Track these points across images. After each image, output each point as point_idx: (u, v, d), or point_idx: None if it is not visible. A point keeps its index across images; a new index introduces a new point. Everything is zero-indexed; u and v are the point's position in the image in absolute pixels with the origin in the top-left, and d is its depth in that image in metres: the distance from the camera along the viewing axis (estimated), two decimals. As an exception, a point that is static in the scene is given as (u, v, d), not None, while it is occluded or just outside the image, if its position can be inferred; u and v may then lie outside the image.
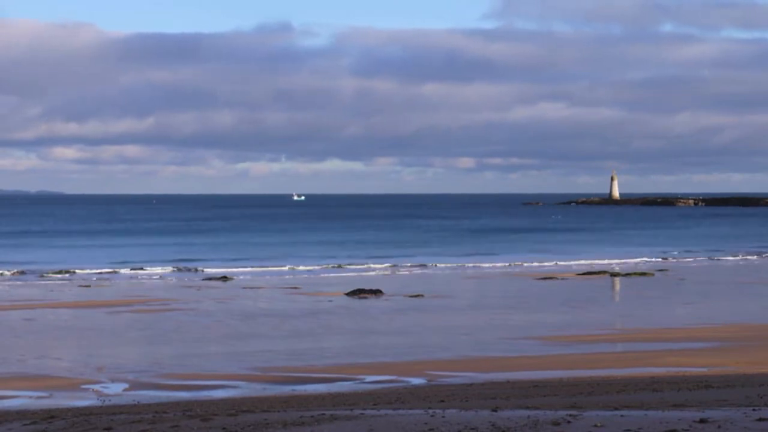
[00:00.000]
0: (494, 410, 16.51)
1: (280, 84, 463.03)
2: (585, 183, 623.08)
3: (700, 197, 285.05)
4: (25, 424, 16.93)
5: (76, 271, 71.49)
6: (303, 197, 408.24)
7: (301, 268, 76.56)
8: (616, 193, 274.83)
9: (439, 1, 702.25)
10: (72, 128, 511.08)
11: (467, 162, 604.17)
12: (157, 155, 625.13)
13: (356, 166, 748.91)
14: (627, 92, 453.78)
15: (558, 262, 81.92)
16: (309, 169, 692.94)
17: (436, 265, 79.12)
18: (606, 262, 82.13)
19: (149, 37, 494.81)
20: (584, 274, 69.84)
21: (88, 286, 60.83)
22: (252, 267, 77.49)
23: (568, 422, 14.37)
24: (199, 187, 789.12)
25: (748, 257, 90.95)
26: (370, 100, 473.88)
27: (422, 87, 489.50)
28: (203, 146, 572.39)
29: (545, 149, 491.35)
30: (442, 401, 21.01)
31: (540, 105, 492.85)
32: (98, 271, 72.01)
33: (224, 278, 66.39)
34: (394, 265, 78.12)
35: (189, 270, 74.59)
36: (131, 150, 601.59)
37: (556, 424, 14.25)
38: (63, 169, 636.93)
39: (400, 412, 16.55)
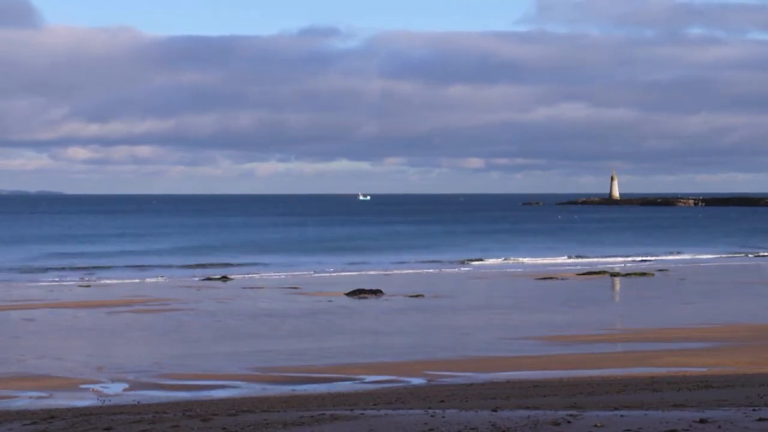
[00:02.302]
0: (494, 410, 16.50)
1: (307, 86, 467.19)
2: (588, 183, 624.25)
3: (701, 197, 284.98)
4: (25, 424, 16.92)
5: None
6: (368, 197, 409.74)
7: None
8: (615, 193, 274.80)
9: (479, 5, 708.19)
10: (92, 129, 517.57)
11: (475, 162, 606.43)
12: (168, 156, 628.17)
13: (363, 166, 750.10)
14: (647, 93, 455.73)
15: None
16: (314, 169, 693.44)
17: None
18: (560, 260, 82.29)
19: (184, 40, 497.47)
20: (584, 274, 69.85)
21: (88, 286, 60.84)
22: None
23: (568, 422, 14.37)
24: (200, 187, 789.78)
25: (748, 257, 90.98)
26: (393, 102, 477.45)
27: (448, 88, 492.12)
28: (218, 147, 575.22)
29: (554, 149, 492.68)
30: (442, 401, 20.99)
31: (559, 106, 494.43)
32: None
33: (224, 278, 66.41)
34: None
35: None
36: (143, 150, 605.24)
37: (556, 424, 14.25)
38: (69, 169, 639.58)
39: (400, 412, 16.54)
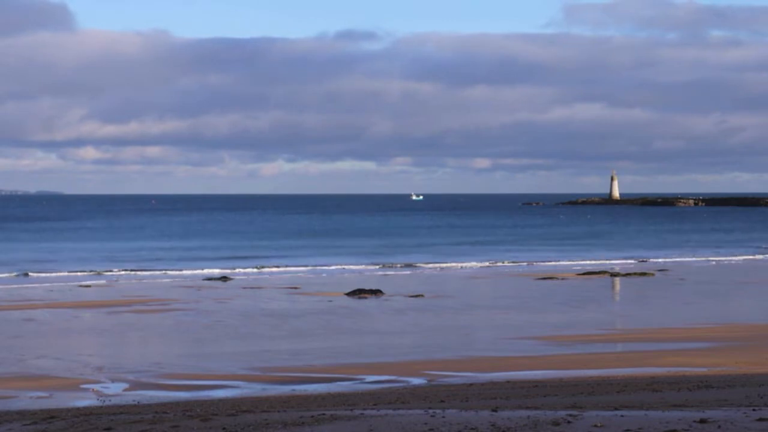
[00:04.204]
0: (494, 410, 16.50)
1: (327, 88, 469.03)
2: (592, 183, 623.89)
3: (700, 197, 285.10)
4: (25, 424, 16.93)
5: None
6: (421, 197, 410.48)
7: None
8: (616, 193, 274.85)
9: (509, 9, 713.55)
10: (108, 130, 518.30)
11: (481, 163, 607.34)
12: (175, 156, 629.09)
13: (368, 166, 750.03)
14: (662, 94, 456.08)
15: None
16: (318, 170, 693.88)
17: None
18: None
19: (211, 42, 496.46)
20: (584, 274, 69.84)
21: (89, 286, 60.81)
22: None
23: (568, 422, 14.38)
24: (202, 187, 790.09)
25: (747, 257, 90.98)
26: (411, 103, 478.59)
27: (466, 90, 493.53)
28: (231, 148, 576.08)
29: (562, 150, 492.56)
30: (442, 401, 21.00)
31: (575, 107, 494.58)
32: None
33: (224, 278, 66.40)
34: None
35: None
36: (152, 151, 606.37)
37: (556, 424, 14.25)
38: (74, 170, 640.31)
39: (400, 412, 16.54)
